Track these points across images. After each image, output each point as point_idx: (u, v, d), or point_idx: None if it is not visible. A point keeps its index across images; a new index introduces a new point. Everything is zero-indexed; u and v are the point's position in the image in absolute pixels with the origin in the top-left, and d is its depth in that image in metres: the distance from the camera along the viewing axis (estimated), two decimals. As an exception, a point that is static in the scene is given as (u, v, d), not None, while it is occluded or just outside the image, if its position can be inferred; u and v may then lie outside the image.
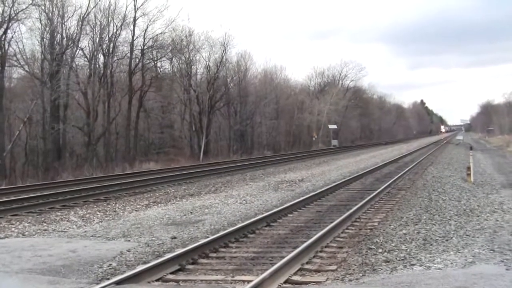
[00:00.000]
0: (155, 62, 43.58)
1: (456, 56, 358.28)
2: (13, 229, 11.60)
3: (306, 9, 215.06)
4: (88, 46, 37.16)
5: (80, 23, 35.39)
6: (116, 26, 37.92)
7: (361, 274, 7.34)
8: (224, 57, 48.64)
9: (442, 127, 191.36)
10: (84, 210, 14.14)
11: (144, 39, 39.99)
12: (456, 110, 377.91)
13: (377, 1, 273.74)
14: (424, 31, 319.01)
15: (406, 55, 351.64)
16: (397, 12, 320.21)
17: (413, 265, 7.69)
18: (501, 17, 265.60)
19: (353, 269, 7.61)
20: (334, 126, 68.02)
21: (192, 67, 46.94)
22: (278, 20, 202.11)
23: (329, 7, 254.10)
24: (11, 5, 30.76)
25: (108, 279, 7.20)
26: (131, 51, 39.51)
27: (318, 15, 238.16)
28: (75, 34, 35.53)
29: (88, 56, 37.33)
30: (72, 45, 35.49)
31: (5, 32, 31.17)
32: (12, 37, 32.24)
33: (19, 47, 33.16)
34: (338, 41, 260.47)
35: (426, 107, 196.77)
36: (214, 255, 8.72)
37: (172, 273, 7.60)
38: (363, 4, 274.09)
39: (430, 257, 8.08)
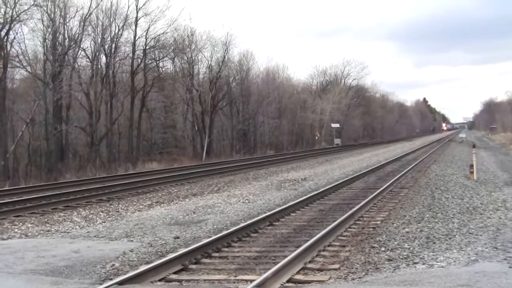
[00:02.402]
0: (157, 62, 43.66)
1: (462, 54, 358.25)
2: (16, 230, 11.63)
3: (312, 8, 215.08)
4: (90, 46, 37.24)
5: (82, 23, 35.44)
6: (118, 26, 37.99)
7: (364, 273, 7.33)
8: (226, 56, 48.75)
9: (444, 124, 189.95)
10: (87, 211, 14.15)
11: (146, 39, 40.08)
12: (459, 108, 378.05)
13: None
14: (430, 29, 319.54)
15: (413, 53, 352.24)
16: (404, 10, 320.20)
17: (416, 263, 7.68)
18: (508, 14, 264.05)
19: (356, 268, 7.60)
20: (337, 125, 67.99)
21: (194, 66, 47.04)
22: (281, 19, 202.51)
23: (335, 6, 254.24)
24: (13, 6, 30.83)
25: (111, 279, 7.21)
26: (133, 51, 39.57)
27: (323, 14, 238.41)
28: (77, 35, 35.59)
29: (90, 56, 37.41)
30: (74, 45, 35.51)
31: (7, 33, 31.23)
32: (14, 38, 32.35)
33: (21, 48, 33.25)
34: (344, 40, 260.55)
35: (429, 105, 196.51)
36: (217, 254, 8.72)
37: (175, 273, 7.60)
38: (370, 2, 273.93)
39: (433, 255, 8.07)
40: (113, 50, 37.92)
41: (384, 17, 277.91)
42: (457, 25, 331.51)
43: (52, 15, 33.97)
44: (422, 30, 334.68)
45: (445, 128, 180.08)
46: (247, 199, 15.67)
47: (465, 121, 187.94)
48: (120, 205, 15.18)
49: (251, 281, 6.68)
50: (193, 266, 7.98)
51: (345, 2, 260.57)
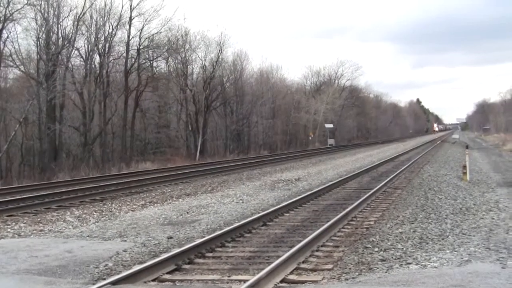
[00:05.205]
0: (151, 61, 43.59)
1: (460, 55, 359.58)
2: (9, 229, 11.58)
3: (309, 9, 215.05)
4: (84, 46, 37.13)
5: (75, 23, 35.32)
6: (112, 26, 37.87)
7: (357, 273, 7.35)
8: (220, 56, 48.68)
9: (436, 125, 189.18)
10: (80, 211, 14.12)
11: (140, 38, 39.98)
12: (453, 109, 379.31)
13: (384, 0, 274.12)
14: (430, 29, 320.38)
15: (411, 54, 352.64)
16: (404, 12, 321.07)
17: (409, 263, 7.70)
18: (508, 14, 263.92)
19: (349, 268, 7.62)
20: (331, 125, 68.05)
21: (188, 66, 46.99)
22: (276, 20, 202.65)
23: (335, 6, 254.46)
24: (6, 5, 30.70)
25: (104, 279, 7.20)
26: (127, 51, 39.47)
27: (322, 16, 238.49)
28: (70, 34, 35.46)
29: (84, 56, 37.28)
30: (67, 45, 35.39)
31: (0, 32, 31.09)
32: (8, 37, 32.22)
33: (14, 47, 33.12)
34: (343, 41, 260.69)
35: (422, 106, 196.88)
36: (211, 254, 8.72)
37: (168, 273, 7.59)
38: (370, 4, 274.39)
39: (426, 255, 8.10)
40: (107, 49, 37.84)
41: (384, 18, 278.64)
42: (456, 27, 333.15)
43: (46, 14, 33.83)
44: (421, 31, 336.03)
45: (436, 129, 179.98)
46: (240, 199, 15.67)
47: (458, 122, 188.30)
48: (113, 205, 15.15)
49: (245, 281, 6.69)
50: (187, 266, 7.97)
51: (345, 3, 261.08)
